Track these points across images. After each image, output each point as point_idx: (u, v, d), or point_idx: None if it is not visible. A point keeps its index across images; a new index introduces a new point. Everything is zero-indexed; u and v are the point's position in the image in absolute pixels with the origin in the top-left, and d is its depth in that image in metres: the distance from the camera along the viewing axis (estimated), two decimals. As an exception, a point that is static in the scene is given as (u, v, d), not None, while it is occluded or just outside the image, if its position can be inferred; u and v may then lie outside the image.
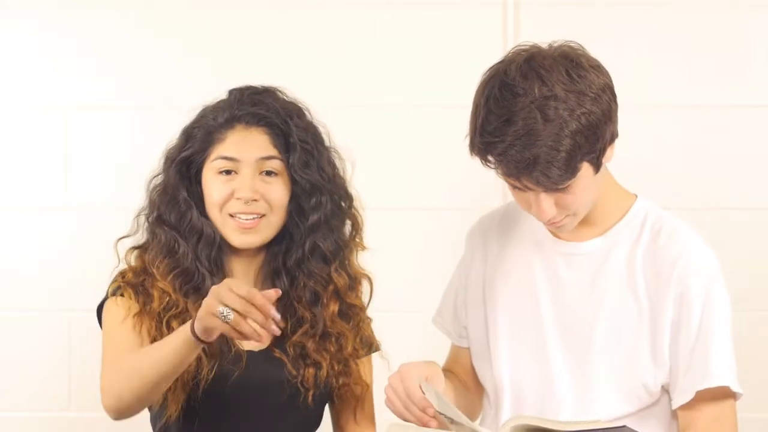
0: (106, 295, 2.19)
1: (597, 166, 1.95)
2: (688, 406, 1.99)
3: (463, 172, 2.93)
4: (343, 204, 2.21)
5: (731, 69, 2.92)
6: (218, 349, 2.11)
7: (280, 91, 2.22)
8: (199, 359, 2.08)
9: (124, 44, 2.99)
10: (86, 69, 3.00)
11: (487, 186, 2.90)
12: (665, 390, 2.03)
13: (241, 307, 1.85)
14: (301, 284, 2.17)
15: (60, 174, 3.00)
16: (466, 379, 2.20)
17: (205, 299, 1.91)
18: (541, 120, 1.88)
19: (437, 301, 2.28)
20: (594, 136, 1.91)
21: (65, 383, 2.98)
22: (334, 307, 2.18)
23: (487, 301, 2.14)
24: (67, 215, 2.99)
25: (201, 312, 1.90)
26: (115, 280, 2.19)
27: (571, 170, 1.90)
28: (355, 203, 2.24)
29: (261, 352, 2.15)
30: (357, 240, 2.24)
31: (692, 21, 2.93)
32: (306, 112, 2.22)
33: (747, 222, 2.91)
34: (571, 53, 1.94)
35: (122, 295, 2.15)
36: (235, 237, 2.14)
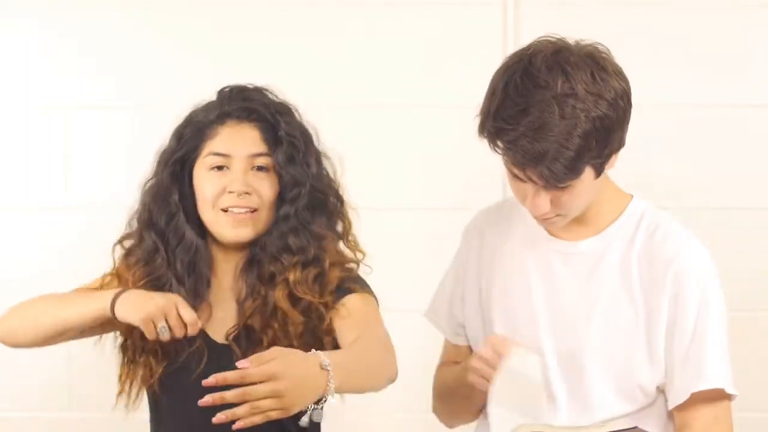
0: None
1: (599, 172, 1.95)
2: (683, 407, 1.99)
3: (462, 172, 2.95)
4: (326, 202, 2.18)
5: (731, 69, 2.92)
6: (173, 349, 2.14)
7: (269, 90, 2.22)
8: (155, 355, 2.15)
9: (124, 44, 2.99)
10: (86, 69, 3.00)
11: (487, 186, 2.90)
12: (661, 390, 2.02)
13: (178, 332, 2.03)
14: (266, 266, 2.14)
15: (60, 174, 3.00)
16: None
17: (151, 304, 2.02)
18: (558, 115, 1.87)
19: (428, 304, 2.28)
20: (604, 141, 1.90)
21: (65, 383, 2.98)
22: (282, 292, 2.13)
23: (483, 299, 2.14)
24: (67, 215, 3.00)
25: (138, 310, 2.02)
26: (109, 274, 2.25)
27: (576, 170, 1.90)
28: (346, 206, 2.22)
29: (223, 345, 2.15)
30: (350, 242, 2.21)
31: (692, 21, 2.93)
32: (295, 112, 2.22)
33: (746, 222, 2.91)
34: (597, 55, 1.94)
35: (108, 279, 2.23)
36: (228, 231, 2.14)
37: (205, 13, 2.98)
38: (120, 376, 2.21)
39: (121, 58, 2.99)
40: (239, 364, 1.74)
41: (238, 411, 1.73)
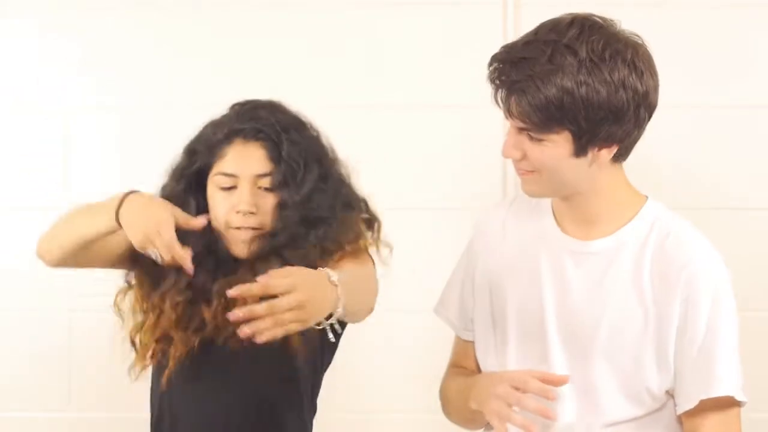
0: None
1: (579, 148, 1.92)
2: (692, 413, 1.97)
3: (462, 172, 2.95)
4: (323, 218, 2.19)
5: (732, 69, 2.92)
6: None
7: (281, 105, 2.24)
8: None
9: (124, 45, 2.99)
10: (86, 70, 3.00)
11: (487, 186, 2.90)
12: (670, 395, 2.01)
13: (165, 255, 2.03)
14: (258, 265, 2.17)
15: (60, 174, 3.00)
16: (475, 372, 2.17)
17: (151, 224, 2.03)
18: (547, 58, 1.87)
19: (437, 299, 2.27)
20: (585, 112, 1.88)
21: (65, 383, 2.98)
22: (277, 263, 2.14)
23: (493, 295, 2.12)
24: (67, 215, 2.99)
25: (137, 232, 2.05)
26: None
27: (544, 120, 1.89)
28: (355, 215, 2.24)
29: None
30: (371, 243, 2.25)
31: (692, 21, 2.93)
32: (306, 126, 2.23)
33: (747, 222, 2.91)
34: (629, 44, 1.94)
35: None
36: (238, 248, 2.18)
37: (205, 14, 2.98)
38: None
39: (121, 60, 2.99)
40: (260, 278, 1.74)
41: (262, 324, 1.73)
